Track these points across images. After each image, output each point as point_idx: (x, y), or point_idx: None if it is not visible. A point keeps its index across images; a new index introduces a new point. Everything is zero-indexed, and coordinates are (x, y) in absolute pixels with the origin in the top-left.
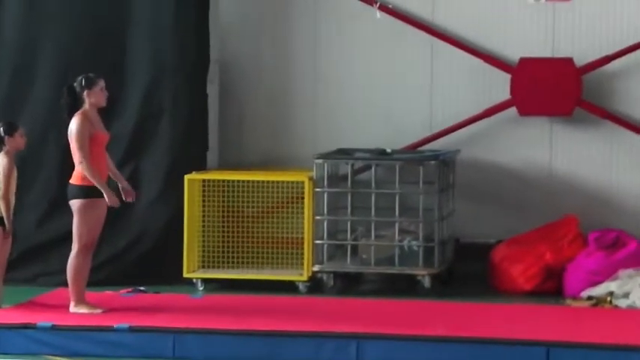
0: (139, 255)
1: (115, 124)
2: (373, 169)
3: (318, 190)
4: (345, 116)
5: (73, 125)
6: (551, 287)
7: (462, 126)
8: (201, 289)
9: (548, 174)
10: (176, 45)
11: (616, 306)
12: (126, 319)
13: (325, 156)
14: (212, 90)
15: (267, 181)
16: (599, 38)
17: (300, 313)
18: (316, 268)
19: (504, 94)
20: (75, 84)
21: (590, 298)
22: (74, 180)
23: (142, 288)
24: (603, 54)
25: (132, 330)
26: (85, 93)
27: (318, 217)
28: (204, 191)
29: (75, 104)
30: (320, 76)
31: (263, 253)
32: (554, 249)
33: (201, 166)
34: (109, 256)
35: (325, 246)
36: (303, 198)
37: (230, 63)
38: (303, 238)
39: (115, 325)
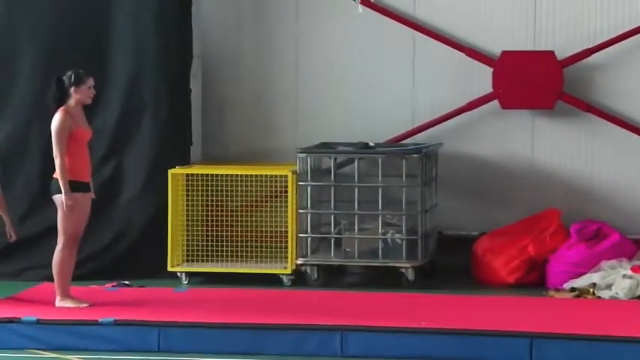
0: (124, 249)
1: (98, 118)
2: (356, 162)
3: (301, 183)
4: (327, 110)
5: (55, 120)
6: (534, 279)
7: (445, 119)
8: (185, 282)
9: (530, 167)
10: (158, 40)
11: (599, 297)
12: (111, 313)
13: (308, 150)
14: (195, 85)
15: (251, 175)
16: (580, 31)
17: (284, 306)
18: (300, 261)
19: (487, 88)
20: (64, 78)
21: (572, 289)
22: (57, 175)
23: (126, 282)
24: (584, 47)
25: (117, 324)
26: (72, 89)
27: (301, 211)
28: (187, 185)
29: (62, 98)
30: (302, 71)
31: (247, 246)
32: (536, 241)
33: (185, 161)
34: (94, 251)
35: (309, 239)
36: (286, 192)
37: (213, 58)
38: (286, 232)
39: (100, 319)
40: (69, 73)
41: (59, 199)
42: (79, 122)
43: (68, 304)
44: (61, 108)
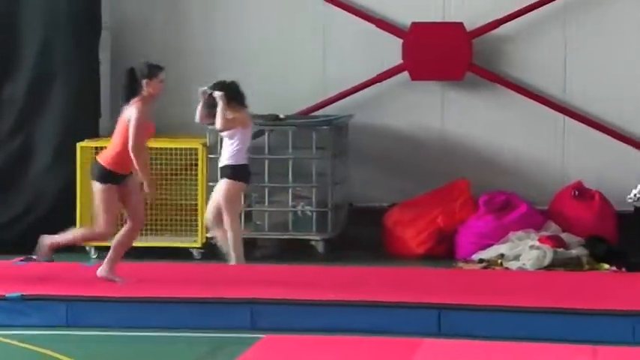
0: (32, 223)
1: (8, 86)
2: (266, 134)
3: (212, 156)
4: (239, 82)
5: (133, 112)
6: (444, 250)
7: (355, 91)
8: (94, 257)
9: (440, 138)
10: (67, 11)
11: (507, 268)
12: (18, 288)
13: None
14: (104, 57)
15: (161, 149)
16: (489, 3)
17: (194, 280)
18: (210, 234)
19: (397, 59)
20: (136, 69)
21: (481, 260)
22: (102, 160)
23: (34, 256)
24: (494, 18)
25: (24, 299)
26: (145, 81)
27: (212, 184)
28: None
29: (134, 89)
30: (213, 42)
31: (158, 220)
32: (446, 213)
33: (94, 134)
34: (3, 222)
35: None
36: (197, 165)
37: (123, 30)
38: (197, 205)
39: (7, 294)
40: (142, 63)
41: (97, 185)
42: (148, 116)
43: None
44: (138, 99)
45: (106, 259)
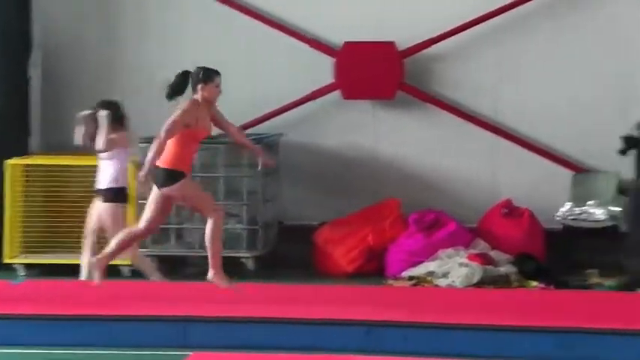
0: None
1: None
2: (198, 153)
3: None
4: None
5: (177, 110)
6: (374, 268)
7: (287, 109)
8: (22, 274)
9: (371, 157)
10: None
11: (436, 285)
12: None
13: (150, 140)
14: (35, 74)
15: (89, 166)
16: (422, 22)
17: (123, 297)
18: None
19: (330, 78)
20: (192, 73)
21: (410, 278)
22: (163, 163)
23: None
24: (426, 38)
25: None
26: (200, 86)
27: (142, 201)
28: (26, 176)
29: (180, 90)
30: (144, 61)
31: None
32: (376, 231)
33: (23, 151)
34: None
35: None
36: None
37: (54, 47)
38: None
39: None
40: (198, 68)
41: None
42: (200, 120)
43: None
44: (190, 101)
45: (210, 263)
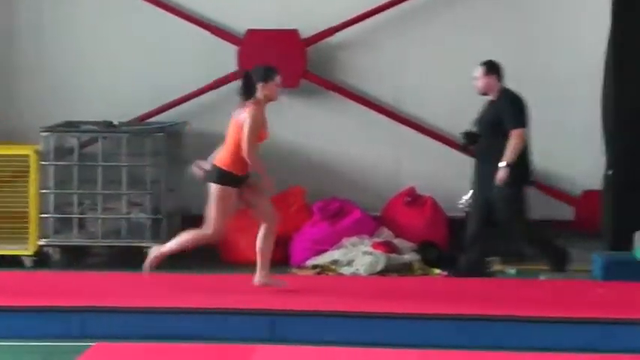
0: None
1: None
2: (100, 141)
3: (44, 163)
4: (72, 89)
5: (250, 114)
6: (278, 257)
7: (190, 98)
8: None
9: (275, 145)
10: None
11: (340, 274)
12: None
13: (51, 129)
14: None
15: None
16: (326, 10)
17: (25, 288)
18: (42, 242)
19: (233, 66)
20: (252, 72)
21: (315, 266)
22: (219, 162)
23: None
24: (329, 26)
25: None
26: (260, 85)
27: (43, 191)
28: None
29: (250, 92)
30: (45, 47)
31: None
32: (280, 219)
33: None
34: None
35: (51, 220)
36: (28, 171)
37: None
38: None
39: None
40: (257, 67)
41: (215, 187)
42: (264, 120)
43: None
44: (254, 101)
45: (258, 268)
